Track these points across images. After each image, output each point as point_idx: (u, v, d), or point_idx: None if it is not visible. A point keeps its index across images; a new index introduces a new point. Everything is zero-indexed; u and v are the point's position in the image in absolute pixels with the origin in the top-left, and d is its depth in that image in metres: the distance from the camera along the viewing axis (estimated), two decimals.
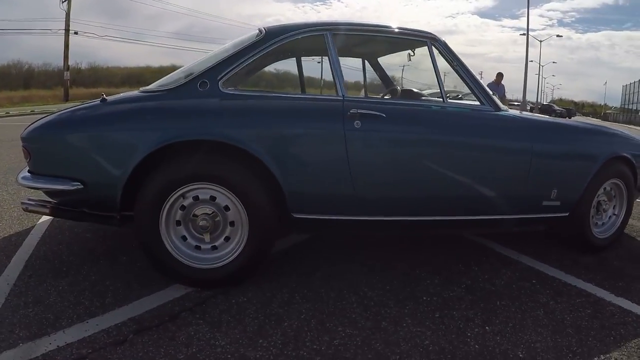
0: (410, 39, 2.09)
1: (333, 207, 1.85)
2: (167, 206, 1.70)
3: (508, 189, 2.05)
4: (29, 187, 1.85)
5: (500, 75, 8.01)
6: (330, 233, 2.31)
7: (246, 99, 1.85)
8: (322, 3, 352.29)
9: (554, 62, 61.58)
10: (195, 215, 1.73)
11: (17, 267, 1.92)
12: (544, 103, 39.12)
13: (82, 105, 1.90)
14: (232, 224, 1.77)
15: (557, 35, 48.02)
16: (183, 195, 1.71)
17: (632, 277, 2.14)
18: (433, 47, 2.02)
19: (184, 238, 1.75)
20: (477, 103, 2.08)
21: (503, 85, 7.91)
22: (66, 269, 1.92)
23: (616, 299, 1.89)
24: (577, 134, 2.31)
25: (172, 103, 1.78)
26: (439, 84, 1.98)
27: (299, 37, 1.91)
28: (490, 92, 2.09)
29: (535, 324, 1.65)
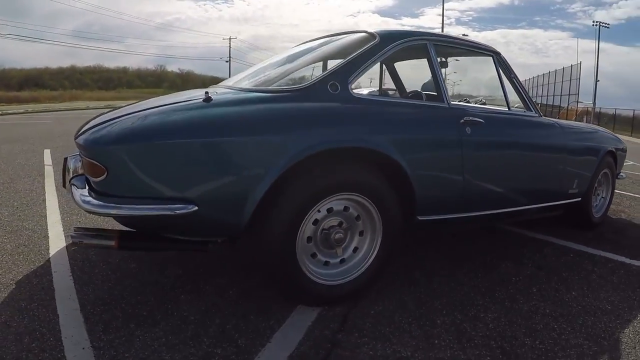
0: (480, 51, 2.41)
1: (449, 207, 2.06)
2: (305, 222, 1.60)
3: (553, 180, 2.56)
4: (115, 215, 1.54)
5: None
6: (442, 231, 2.52)
7: (379, 105, 1.92)
8: (223, 1, 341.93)
9: (457, 60, 70.31)
10: (325, 229, 1.69)
11: (76, 322, 1.51)
12: None
13: (175, 107, 1.62)
14: (360, 233, 1.81)
15: (463, 35, 54.38)
16: (318, 209, 1.64)
17: (629, 245, 2.83)
18: (497, 60, 2.39)
19: (313, 255, 1.69)
20: (523, 109, 2.51)
21: None
22: (146, 313, 1.59)
23: (631, 261, 2.52)
24: (587, 133, 2.97)
25: (311, 106, 1.69)
26: (503, 92, 2.36)
27: (407, 44, 2.03)
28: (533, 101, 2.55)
29: (598, 284, 2.16)
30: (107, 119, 1.64)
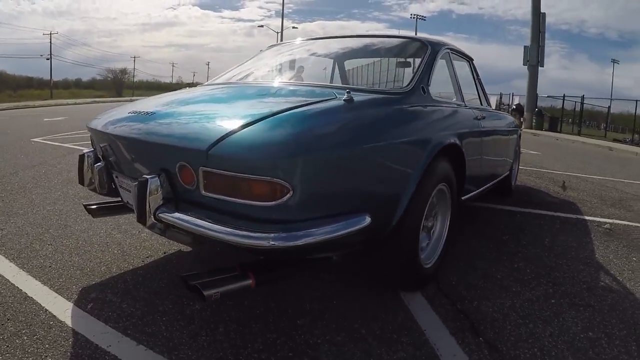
0: (462, 57, 2.88)
1: (472, 186, 2.55)
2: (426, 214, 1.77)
3: (507, 157, 3.35)
4: (304, 245, 1.19)
5: None
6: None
7: (444, 106, 2.19)
8: None
9: (261, 50, 74.79)
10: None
11: None
12: None
13: (323, 109, 1.47)
14: (435, 218, 2.07)
15: (293, 27, 56.57)
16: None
17: (540, 203, 3.85)
18: (472, 65, 3.02)
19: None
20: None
21: None
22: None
23: (555, 213, 3.45)
24: (508, 118, 3.94)
25: (429, 108, 1.96)
26: (482, 92, 2.96)
27: (444, 52, 2.36)
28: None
29: (553, 231, 2.95)
30: (230, 129, 1.28)
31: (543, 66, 19.51)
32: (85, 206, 2.02)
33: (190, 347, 1.41)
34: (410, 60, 2.37)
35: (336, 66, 2.82)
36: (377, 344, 1.47)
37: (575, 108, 20.28)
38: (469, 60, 3.00)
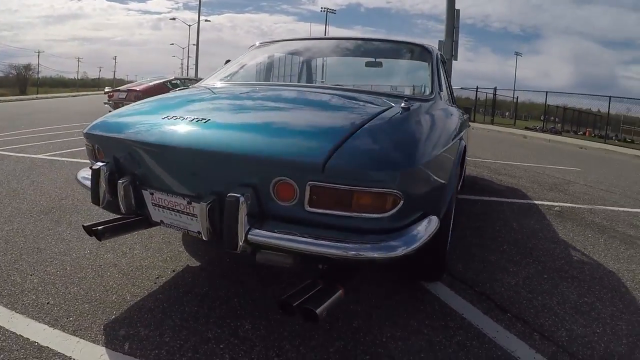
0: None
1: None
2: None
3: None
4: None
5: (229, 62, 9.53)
6: None
7: (451, 107, 2.47)
8: None
9: (171, 44, 72.75)
10: None
11: None
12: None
13: (399, 119, 1.55)
14: None
15: (206, 20, 54.48)
16: None
17: (489, 190, 4.31)
18: None
19: None
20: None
21: None
22: None
23: (511, 200, 3.94)
24: None
25: (449, 111, 2.27)
26: (450, 90, 3.29)
27: (440, 55, 2.63)
28: None
29: (516, 216, 3.41)
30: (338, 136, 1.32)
31: (457, 60, 21.46)
32: (88, 229, 1.74)
33: None
34: (418, 64, 2.59)
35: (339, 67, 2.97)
36: (432, 333, 1.66)
37: (487, 98, 22.50)
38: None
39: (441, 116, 1.97)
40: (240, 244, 1.27)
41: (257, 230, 1.28)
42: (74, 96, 27.90)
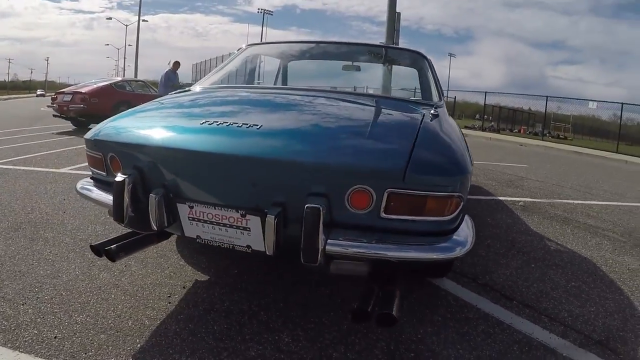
0: None
1: None
2: None
3: None
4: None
5: (177, 64, 9.48)
6: None
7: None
8: None
9: (107, 45, 69.54)
10: None
11: None
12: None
13: (444, 127, 1.67)
14: None
15: (144, 20, 51.62)
16: None
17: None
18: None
19: None
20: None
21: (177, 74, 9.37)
22: None
23: (496, 197, 4.29)
24: None
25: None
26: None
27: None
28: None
29: (494, 210, 3.72)
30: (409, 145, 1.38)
31: None
32: (97, 249, 1.61)
33: None
34: (415, 70, 2.74)
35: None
36: (458, 325, 1.81)
37: None
38: None
39: (453, 121, 2.13)
40: (321, 256, 1.25)
41: (334, 240, 1.28)
42: (5, 99, 25.39)
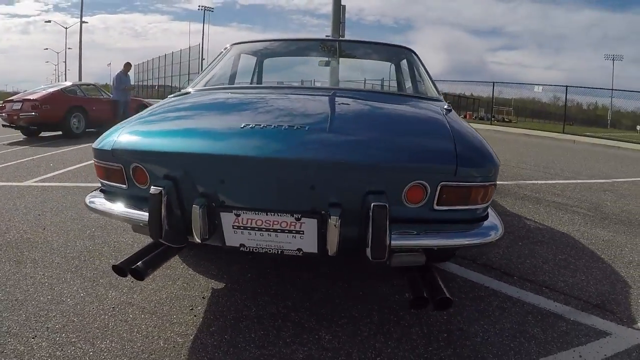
0: None
1: None
2: None
3: None
4: None
5: (128, 65, 9.30)
6: None
7: None
8: None
9: (45, 49, 64.61)
10: None
11: None
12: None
13: (454, 119, 1.77)
14: None
15: (84, 22, 48.36)
16: None
17: None
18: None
19: None
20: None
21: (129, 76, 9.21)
22: None
23: None
24: None
25: None
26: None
27: None
28: None
29: None
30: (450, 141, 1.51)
31: None
32: (122, 269, 1.54)
33: None
34: (405, 64, 2.86)
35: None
36: (475, 304, 1.97)
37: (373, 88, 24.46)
38: None
39: None
40: (388, 251, 1.32)
41: (396, 235, 1.37)
42: None
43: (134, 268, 1.55)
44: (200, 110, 1.95)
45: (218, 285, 2.14)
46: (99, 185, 1.83)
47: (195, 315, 1.84)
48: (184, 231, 1.47)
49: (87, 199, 1.77)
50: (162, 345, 1.63)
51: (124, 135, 1.64)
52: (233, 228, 1.45)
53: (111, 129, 1.78)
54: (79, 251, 2.52)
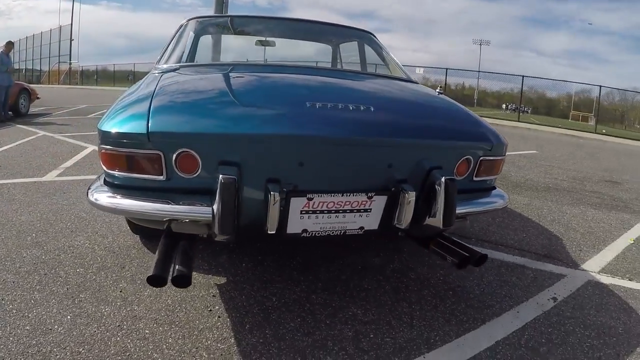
0: None
1: None
2: None
3: None
4: None
5: (10, 45, 8.15)
6: None
7: None
8: None
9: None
10: None
11: None
12: None
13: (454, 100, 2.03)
14: None
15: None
16: None
17: None
18: None
19: None
20: None
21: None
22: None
23: None
24: None
25: None
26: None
27: None
28: None
29: None
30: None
31: None
32: (158, 278, 1.35)
33: None
34: (370, 48, 2.95)
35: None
36: (483, 273, 2.26)
37: None
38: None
39: None
40: (454, 219, 1.51)
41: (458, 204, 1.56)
42: None
43: (176, 276, 1.37)
44: (231, 87, 1.76)
45: (219, 280, 2.04)
46: (92, 178, 1.60)
47: (219, 316, 1.74)
48: (259, 223, 1.40)
49: (95, 196, 1.50)
50: (207, 356, 1.50)
51: (162, 116, 1.43)
52: (300, 213, 1.42)
53: (120, 109, 1.52)
54: (31, 263, 2.09)
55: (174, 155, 1.40)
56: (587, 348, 1.65)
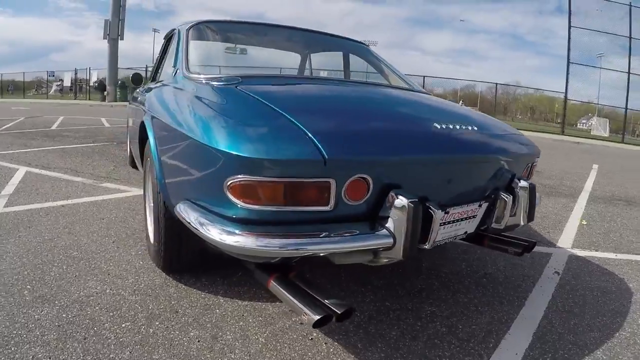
0: None
1: None
2: None
3: None
4: None
5: None
6: None
7: None
8: None
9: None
10: None
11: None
12: None
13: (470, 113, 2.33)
14: None
15: None
16: None
17: None
18: None
19: None
20: None
21: None
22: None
23: None
24: None
25: None
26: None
27: None
28: None
29: None
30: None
31: (123, 39, 20.94)
32: (327, 317, 1.32)
33: None
34: (371, 59, 3.27)
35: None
36: (493, 260, 2.78)
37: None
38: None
39: None
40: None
41: None
42: None
43: (342, 312, 1.34)
44: (356, 105, 2.00)
45: (283, 305, 2.00)
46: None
47: (325, 343, 1.73)
48: (421, 240, 1.49)
49: (225, 237, 1.34)
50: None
51: (333, 140, 1.38)
52: (439, 226, 1.54)
53: (250, 131, 1.39)
54: (53, 327, 1.71)
55: (347, 182, 1.37)
56: (602, 303, 2.27)
